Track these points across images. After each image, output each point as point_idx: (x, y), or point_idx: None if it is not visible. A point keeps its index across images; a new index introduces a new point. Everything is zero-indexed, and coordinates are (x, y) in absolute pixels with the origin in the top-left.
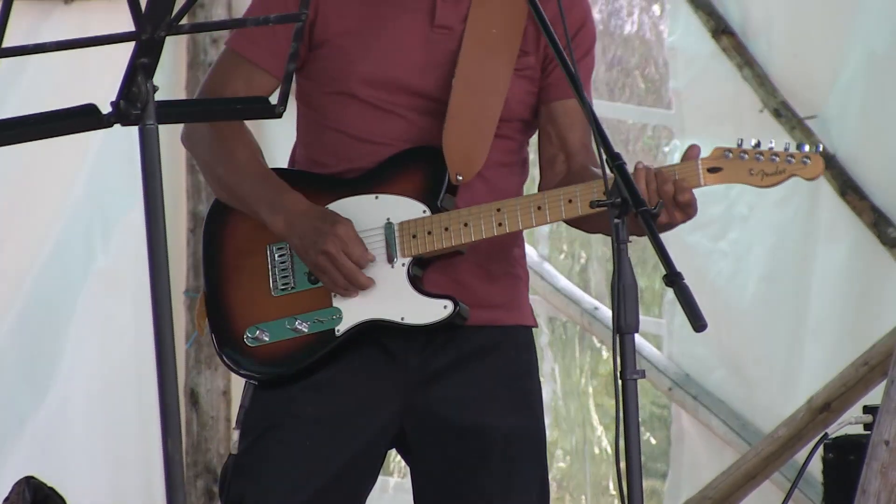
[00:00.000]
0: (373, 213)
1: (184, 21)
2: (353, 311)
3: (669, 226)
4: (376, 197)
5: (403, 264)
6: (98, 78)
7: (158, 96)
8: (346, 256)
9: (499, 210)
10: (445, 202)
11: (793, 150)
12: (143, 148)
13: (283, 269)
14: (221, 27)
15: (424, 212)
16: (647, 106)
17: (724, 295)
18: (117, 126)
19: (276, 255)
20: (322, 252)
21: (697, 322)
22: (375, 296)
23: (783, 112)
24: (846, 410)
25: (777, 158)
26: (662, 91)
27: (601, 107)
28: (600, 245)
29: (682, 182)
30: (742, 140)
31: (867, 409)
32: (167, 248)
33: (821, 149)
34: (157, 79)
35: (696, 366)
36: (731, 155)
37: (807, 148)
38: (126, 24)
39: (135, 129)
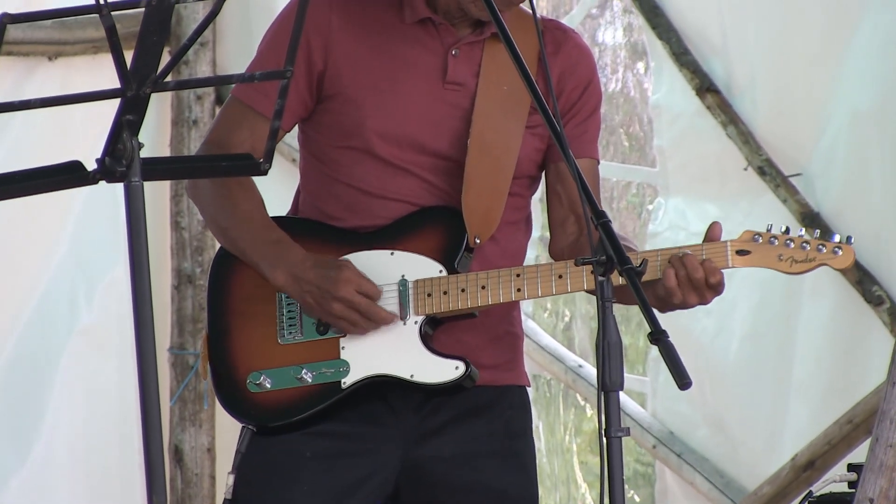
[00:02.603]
0: (388, 268)
1: (169, 78)
2: (361, 365)
3: (700, 304)
4: (392, 253)
5: (416, 322)
6: (83, 135)
7: (143, 153)
8: (361, 296)
9: (518, 276)
10: (462, 264)
11: (823, 238)
12: (128, 205)
13: (291, 318)
14: (206, 84)
15: (441, 271)
16: (632, 164)
17: (708, 352)
18: (102, 183)
19: (286, 303)
20: (336, 299)
21: (682, 380)
22: (385, 351)
23: (768, 170)
24: (830, 468)
25: (808, 246)
26: (647, 149)
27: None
28: (584, 303)
29: (710, 263)
30: (771, 225)
31: (851, 467)
32: (152, 304)
33: (852, 241)
34: (142, 136)
35: (681, 423)
36: (760, 239)
37: (837, 238)
38: (111, 81)
39: (118, 187)
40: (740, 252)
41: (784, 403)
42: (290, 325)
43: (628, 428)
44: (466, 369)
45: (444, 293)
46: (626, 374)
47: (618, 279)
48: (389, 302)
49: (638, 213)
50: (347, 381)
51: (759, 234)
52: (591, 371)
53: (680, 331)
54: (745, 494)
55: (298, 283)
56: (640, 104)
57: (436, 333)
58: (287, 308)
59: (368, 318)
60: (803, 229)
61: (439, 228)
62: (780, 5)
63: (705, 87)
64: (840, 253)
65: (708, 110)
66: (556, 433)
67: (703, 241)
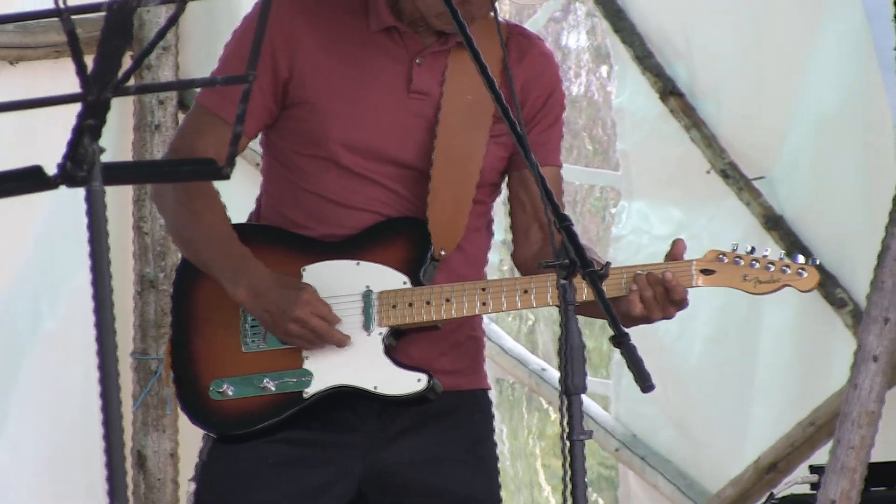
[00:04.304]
0: (352, 278)
1: (130, 82)
2: (324, 375)
3: (664, 318)
4: (357, 263)
5: (380, 333)
6: (44, 139)
7: (105, 158)
8: (317, 318)
9: (483, 289)
10: (427, 275)
11: (788, 259)
12: (89, 210)
13: (254, 326)
14: (168, 88)
15: (406, 283)
16: (595, 167)
17: (671, 355)
18: (64, 188)
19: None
20: (293, 320)
21: (645, 383)
22: (348, 361)
23: (731, 173)
24: (793, 470)
25: (772, 267)
26: (610, 152)
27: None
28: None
29: (675, 281)
30: (736, 245)
31: (813, 469)
32: (114, 310)
33: (816, 262)
34: (104, 140)
35: (644, 426)
36: (725, 259)
37: (800, 259)
38: (73, 86)
39: (81, 192)
40: (705, 271)
41: (747, 405)
42: (254, 334)
43: (591, 431)
44: (429, 382)
45: (409, 305)
46: (589, 378)
47: (583, 294)
48: (353, 312)
49: (601, 216)
50: (310, 391)
51: (724, 254)
52: (554, 374)
53: (643, 333)
54: (709, 497)
55: (258, 299)
56: (603, 108)
57: (398, 341)
58: (251, 316)
59: (323, 341)
60: (768, 249)
61: (405, 240)
62: (743, 10)
63: (668, 91)
64: (805, 274)
65: (671, 114)
66: (520, 437)
67: (666, 258)
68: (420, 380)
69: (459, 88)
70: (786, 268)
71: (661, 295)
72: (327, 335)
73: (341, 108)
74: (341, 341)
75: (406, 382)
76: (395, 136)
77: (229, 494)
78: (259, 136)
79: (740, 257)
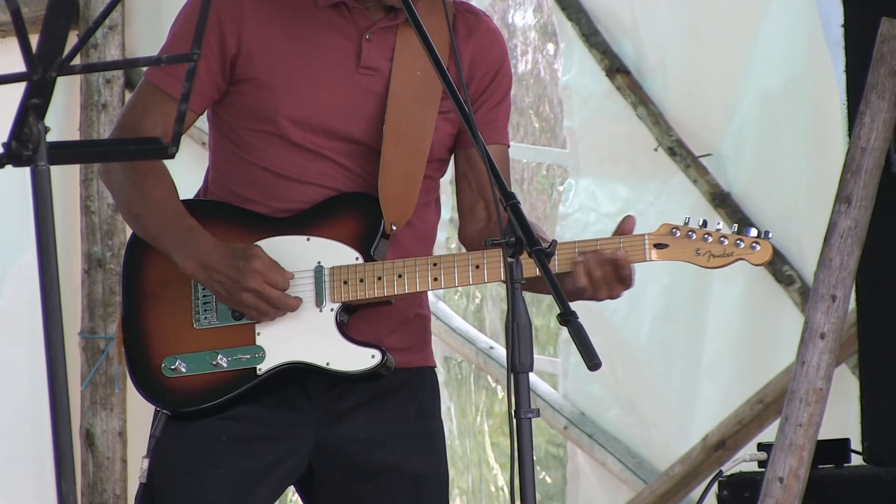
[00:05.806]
0: (304, 254)
1: (76, 61)
2: (277, 352)
3: (610, 298)
4: (308, 239)
5: (332, 309)
6: None
7: (52, 137)
8: (269, 287)
9: (435, 265)
10: (378, 251)
11: (741, 233)
12: (35, 189)
13: (206, 303)
14: (112, 67)
15: (357, 259)
16: (542, 145)
17: (619, 333)
18: (10, 168)
19: (201, 288)
20: (245, 290)
21: (591, 361)
22: (301, 338)
23: (678, 150)
24: (741, 448)
25: (726, 241)
26: (557, 130)
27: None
28: (495, 284)
29: (622, 256)
30: (689, 218)
31: (762, 447)
32: (60, 289)
33: (770, 235)
34: (51, 119)
35: (592, 404)
36: (678, 232)
37: (753, 232)
38: (17, 65)
39: (28, 171)
40: (658, 245)
41: (695, 383)
42: (206, 310)
43: (538, 409)
44: (383, 358)
45: (361, 281)
46: (537, 356)
47: (532, 270)
48: (305, 288)
49: (548, 194)
50: (263, 367)
51: (677, 228)
52: (502, 353)
53: (591, 312)
54: (657, 475)
55: (208, 272)
56: (550, 85)
57: (350, 317)
58: (202, 292)
59: (277, 308)
60: (720, 222)
61: (356, 215)
62: None
63: (615, 68)
64: (758, 248)
65: (618, 91)
66: (468, 415)
67: (614, 234)
68: (373, 356)
69: (409, 64)
70: (739, 241)
71: (610, 273)
72: (281, 302)
73: (290, 83)
74: (294, 306)
75: (359, 359)
76: (345, 111)
77: (182, 471)
78: (206, 112)
79: (693, 231)
